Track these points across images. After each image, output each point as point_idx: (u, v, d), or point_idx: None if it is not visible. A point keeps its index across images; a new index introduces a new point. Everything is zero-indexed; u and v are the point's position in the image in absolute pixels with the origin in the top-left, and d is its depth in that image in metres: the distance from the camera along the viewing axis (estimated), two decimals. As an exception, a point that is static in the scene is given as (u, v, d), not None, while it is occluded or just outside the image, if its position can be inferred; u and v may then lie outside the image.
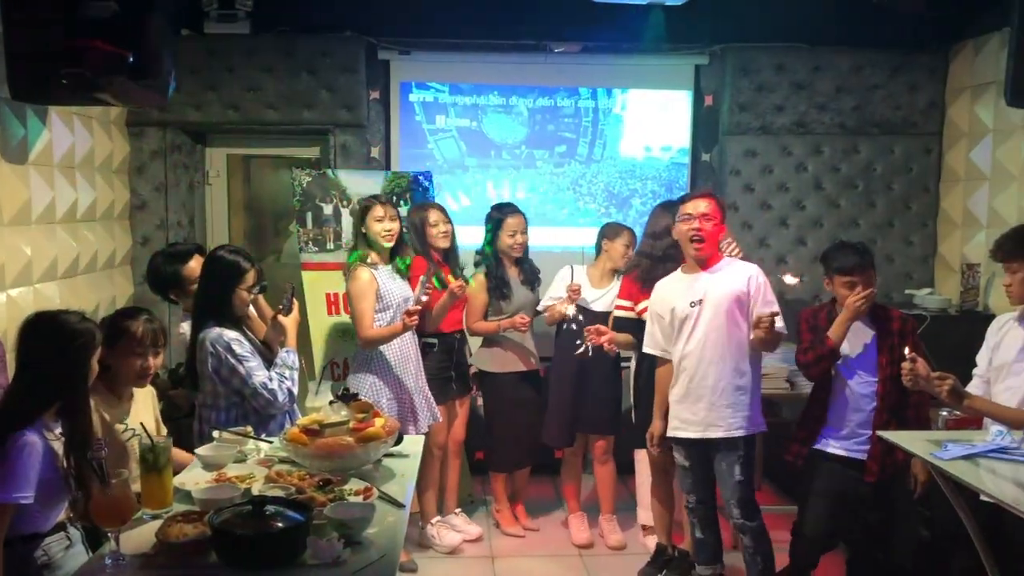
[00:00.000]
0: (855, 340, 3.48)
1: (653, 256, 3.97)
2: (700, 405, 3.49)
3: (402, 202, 4.68)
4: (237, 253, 3.23)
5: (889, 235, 5.29)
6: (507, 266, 4.37)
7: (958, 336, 4.43)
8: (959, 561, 3.31)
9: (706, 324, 3.46)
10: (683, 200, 3.63)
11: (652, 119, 5.44)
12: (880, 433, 3.16)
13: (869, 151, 5.29)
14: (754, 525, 3.52)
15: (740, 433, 3.47)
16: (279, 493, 2.38)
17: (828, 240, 5.26)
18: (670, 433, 3.63)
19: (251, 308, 3.29)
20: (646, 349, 3.75)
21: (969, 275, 4.66)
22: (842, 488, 3.51)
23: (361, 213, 3.94)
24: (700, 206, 3.48)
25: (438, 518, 4.42)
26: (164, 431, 2.89)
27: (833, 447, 3.50)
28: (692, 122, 5.44)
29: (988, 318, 4.52)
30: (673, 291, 3.60)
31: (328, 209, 4.72)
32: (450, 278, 4.10)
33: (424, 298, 3.82)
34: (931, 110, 5.24)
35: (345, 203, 4.72)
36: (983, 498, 2.74)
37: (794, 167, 5.30)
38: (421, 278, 3.91)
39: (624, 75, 5.39)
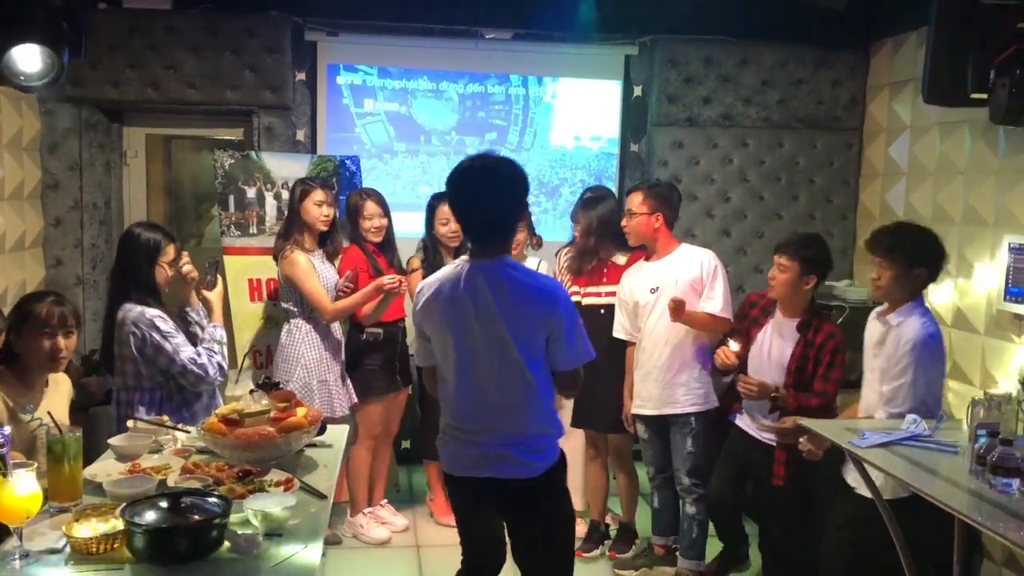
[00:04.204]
0: (777, 340, 3.58)
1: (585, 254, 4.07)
2: (656, 384, 3.75)
3: (329, 187, 4.58)
4: (154, 228, 3.19)
5: (811, 227, 5.39)
6: (444, 254, 4.33)
7: (875, 327, 4.57)
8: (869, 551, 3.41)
9: (661, 308, 3.69)
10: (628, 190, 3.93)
11: (582, 108, 5.45)
12: (801, 422, 3.23)
13: (793, 145, 5.39)
14: (701, 493, 3.76)
15: (692, 410, 3.73)
16: (196, 485, 2.31)
17: (752, 232, 5.37)
18: (633, 410, 3.88)
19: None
20: (616, 334, 3.94)
21: (886, 267, 4.78)
22: (747, 458, 3.66)
23: (300, 196, 3.93)
24: (633, 202, 3.77)
25: (368, 509, 4.37)
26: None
27: (745, 425, 3.68)
28: (621, 112, 5.46)
29: (903, 309, 4.67)
30: (635, 280, 3.85)
31: (251, 192, 4.60)
32: (390, 277, 4.01)
33: (343, 293, 4.00)
34: (852, 106, 5.36)
35: (269, 186, 4.61)
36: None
37: (720, 159, 5.37)
38: (348, 272, 4.03)
39: (555, 64, 5.38)
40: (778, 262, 3.51)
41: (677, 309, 3.55)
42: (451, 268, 2.61)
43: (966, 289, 4.25)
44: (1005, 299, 3.87)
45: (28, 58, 2.92)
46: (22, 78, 2.96)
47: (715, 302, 3.66)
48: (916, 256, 3.10)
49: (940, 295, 4.46)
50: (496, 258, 2.53)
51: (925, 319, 3.09)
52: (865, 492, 3.07)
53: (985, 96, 3.10)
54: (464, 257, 2.61)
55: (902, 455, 2.87)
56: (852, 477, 3.18)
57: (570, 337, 2.52)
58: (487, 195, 2.52)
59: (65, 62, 2.99)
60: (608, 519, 4.34)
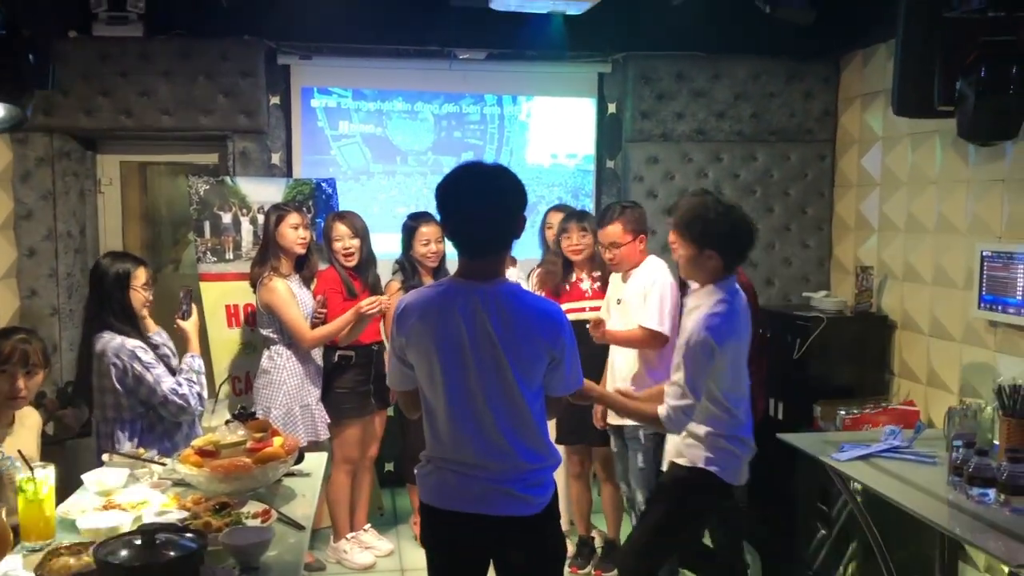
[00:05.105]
0: None
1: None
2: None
3: (304, 209, 4.57)
4: (122, 257, 3.21)
5: (787, 239, 5.44)
6: (423, 275, 4.32)
7: (853, 336, 4.61)
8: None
9: (617, 321, 3.73)
10: (600, 222, 3.87)
11: (557, 126, 5.47)
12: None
13: (766, 158, 5.43)
14: None
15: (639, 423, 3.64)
16: (172, 519, 2.28)
17: (729, 245, 5.37)
18: (608, 419, 3.87)
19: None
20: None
21: (863, 277, 4.82)
22: None
23: (276, 221, 3.94)
24: (608, 235, 3.76)
25: (351, 534, 4.34)
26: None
27: None
28: (596, 129, 5.48)
29: (881, 319, 4.73)
30: (612, 288, 3.93)
31: (227, 218, 4.58)
32: (368, 300, 3.99)
33: (318, 319, 4.06)
34: (825, 118, 5.41)
35: (245, 211, 4.59)
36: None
37: (695, 173, 5.39)
38: (319, 297, 4.08)
39: (529, 82, 5.40)
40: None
41: (596, 326, 3.58)
42: (436, 288, 2.39)
43: (941, 297, 4.29)
44: (979, 307, 3.90)
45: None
46: None
47: (647, 316, 3.64)
48: (704, 238, 2.88)
49: (915, 303, 4.49)
50: (493, 280, 2.33)
51: (708, 312, 2.85)
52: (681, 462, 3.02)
53: (952, 108, 3.13)
54: (451, 277, 2.41)
55: (882, 468, 2.89)
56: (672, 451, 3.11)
57: (568, 366, 2.38)
58: (484, 204, 2.29)
59: (29, 112, 2.98)
60: (594, 534, 4.34)
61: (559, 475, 4.33)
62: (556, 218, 4.34)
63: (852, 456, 2.98)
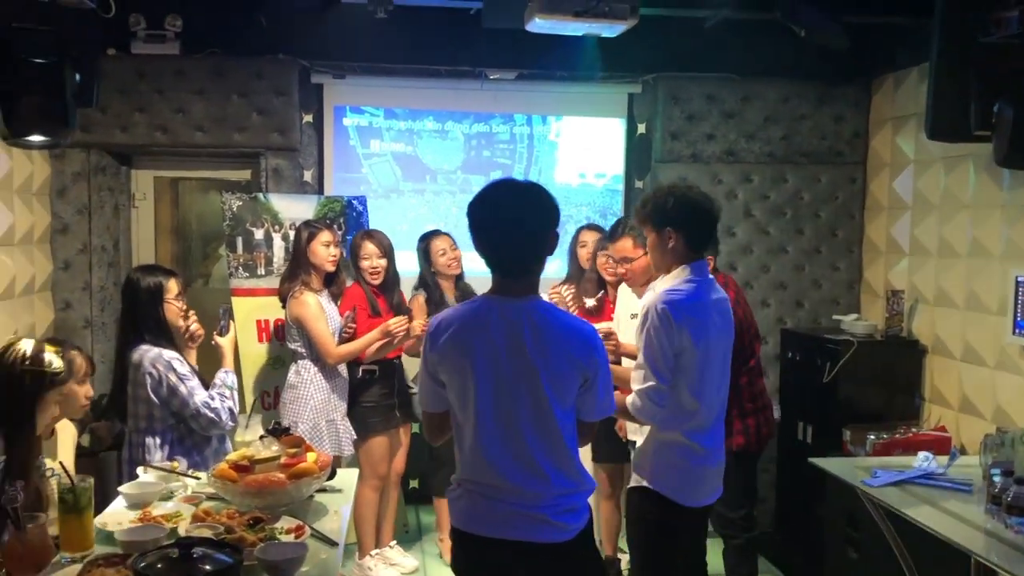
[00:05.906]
0: None
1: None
2: None
3: (335, 227, 4.62)
4: (152, 270, 3.23)
5: (816, 261, 5.42)
6: (445, 289, 4.37)
7: (883, 360, 4.57)
8: None
9: (632, 337, 3.57)
10: (611, 237, 3.77)
11: (587, 146, 5.49)
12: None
13: (797, 180, 5.41)
14: None
15: None
16: (207, 533, 2.30)
17: (758, 266, 5.37)
18: (629, 435, 3.77)
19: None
20: None
21: (893, 301, 4.79)
22: None
23: (307, 238, 3.98)
24: (619, 250, 3.68)
25: (376, 551, 4.34)
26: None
27: None
28: (626, 149, 5.50)
29: (912, 343, 4.69)
30: (626, 302, 3.85)
31: (259, 234, 4.63)
32: (396, 320, 4.04)
33: (347, 334, 4.10)
34: (855, 140, 5.39)
35: (277, 228, 4.64)
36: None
37: (724, 195, 5.38)
38: (347, 313, 4.11)
39: (559, 102, 5.43)
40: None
41: (607, 338, 3.28)
42: (469, 305, 2.39)
43: (974, 323, 4.25)
44: (1014, 333, 3.86)
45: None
46: (27, 144, 3.07)
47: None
48: (658, 215, 2.81)
49: (947, 328, 4.45)
50: (527, 297, 2.31)
51: (669, 287, 2.77)
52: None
53: (989, 133, 3.11)
54: (485, 294, 2.40)
55: (916, 494, 2.86)
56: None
57: (601, 388, 2.34)
58: (517, 221, 2.28)
59: (67, 141, 3.06)
60: (620, 556, 4.32)
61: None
62: (590, 236, 4.35)
63: (886, 482, 2.95)
